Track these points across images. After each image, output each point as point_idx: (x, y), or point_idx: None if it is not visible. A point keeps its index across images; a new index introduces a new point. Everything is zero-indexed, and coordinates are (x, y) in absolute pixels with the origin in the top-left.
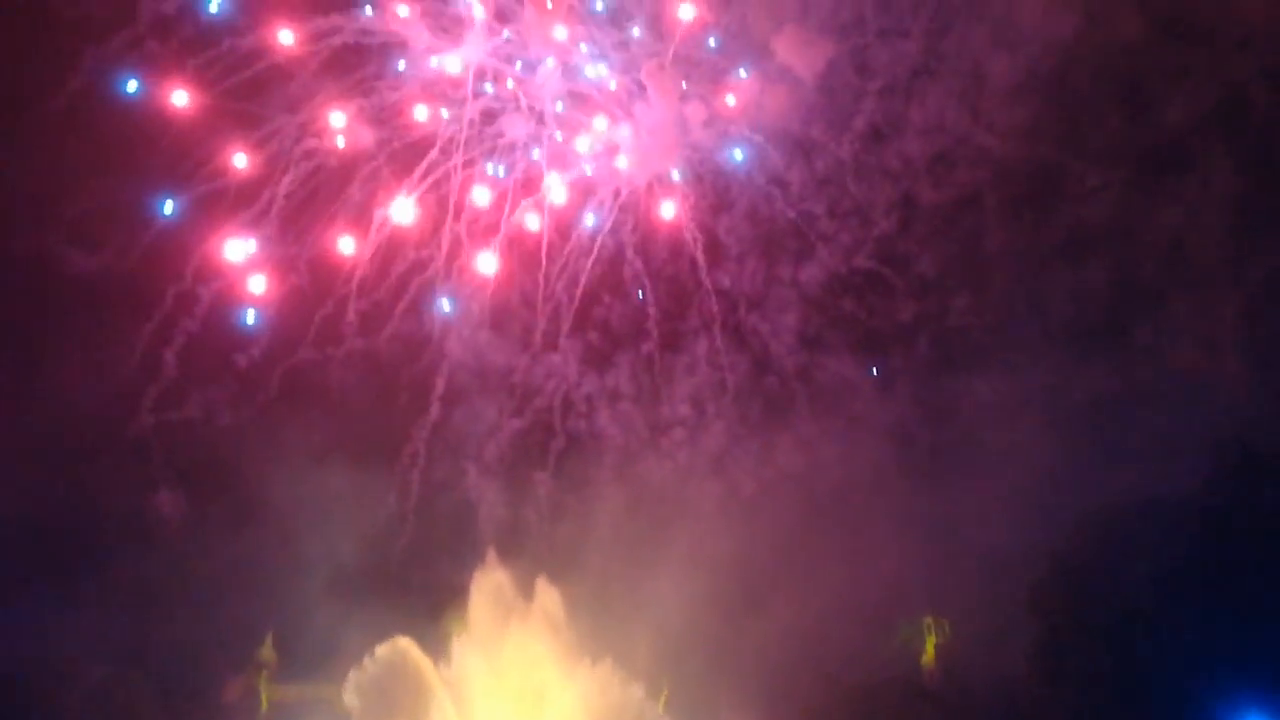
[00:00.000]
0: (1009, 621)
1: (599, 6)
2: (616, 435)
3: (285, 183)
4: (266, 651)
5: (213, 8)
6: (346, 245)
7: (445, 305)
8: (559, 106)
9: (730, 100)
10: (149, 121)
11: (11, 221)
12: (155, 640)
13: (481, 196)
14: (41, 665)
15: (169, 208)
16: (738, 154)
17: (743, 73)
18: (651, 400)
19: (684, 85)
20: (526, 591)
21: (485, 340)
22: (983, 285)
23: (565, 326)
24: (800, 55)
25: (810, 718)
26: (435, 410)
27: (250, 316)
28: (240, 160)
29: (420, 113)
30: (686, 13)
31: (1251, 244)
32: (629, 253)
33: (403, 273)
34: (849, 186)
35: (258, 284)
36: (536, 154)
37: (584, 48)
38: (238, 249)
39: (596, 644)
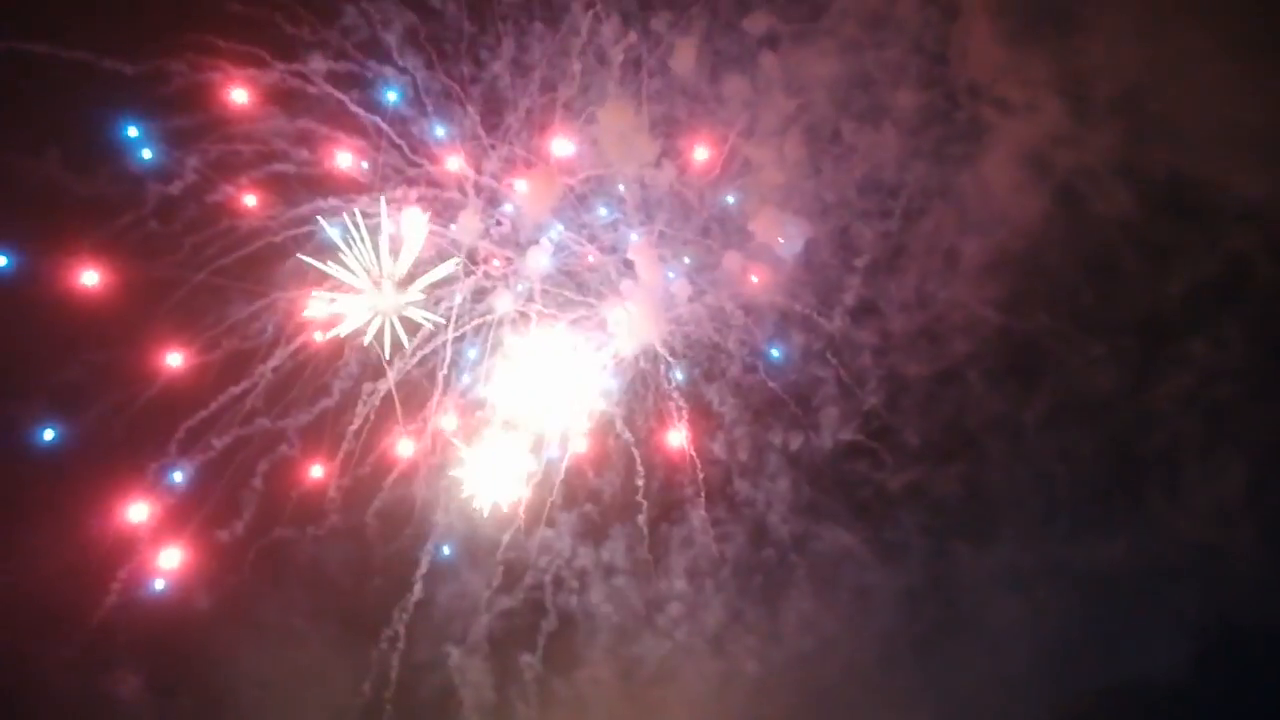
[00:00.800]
0: None
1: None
2: (611, 613)
3: (273, 358)
4: None
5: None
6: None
7: (445, 550)
8: (528, 287)
9: (754, 279)
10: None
11: None
12: None
13: (450, 422)
14: None
15: (49, 435)
16: (775, 352)
17: (781, 240)
18: (645, 575)
19: (686, 260)
20: None
21: (472, 515)
22: (980, 457)
23: (556, 499)
24: (782, 235)
25: None
26: (418, 589)
27: (159, 585)
28: (175, 358)
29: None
30: (701, 154)
31: (1256, 414)
32: (618, 424)
33: (388, 446)
34: (832, 360)
35: (170, 558)
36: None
37: (606, 210)
38: (141, 511)
39: None
